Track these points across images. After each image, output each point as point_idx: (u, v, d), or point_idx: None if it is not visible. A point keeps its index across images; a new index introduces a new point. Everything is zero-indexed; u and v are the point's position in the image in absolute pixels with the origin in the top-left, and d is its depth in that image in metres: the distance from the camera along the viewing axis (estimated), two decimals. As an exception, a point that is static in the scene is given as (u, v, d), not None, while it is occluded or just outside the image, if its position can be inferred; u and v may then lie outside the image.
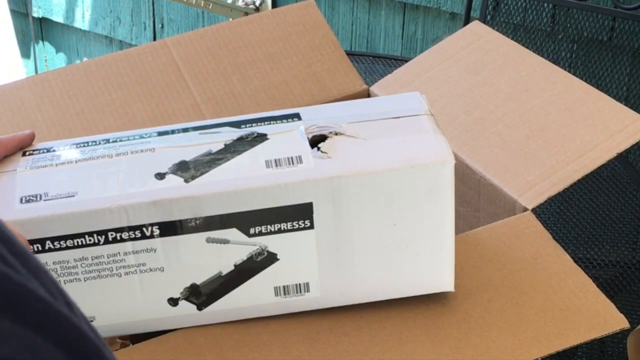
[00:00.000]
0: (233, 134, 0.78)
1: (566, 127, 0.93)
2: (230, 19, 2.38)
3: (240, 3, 2.38)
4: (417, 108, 0.79)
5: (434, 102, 0.88)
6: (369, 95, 1.07)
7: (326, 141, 0.76)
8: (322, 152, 0.75)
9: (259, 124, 0.79)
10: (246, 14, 2.36)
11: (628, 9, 1.62)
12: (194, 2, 2.26)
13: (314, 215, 0.74)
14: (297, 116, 0.79)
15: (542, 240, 0.83)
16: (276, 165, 0.74)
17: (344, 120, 0.78)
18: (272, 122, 0.79)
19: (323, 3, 2.22)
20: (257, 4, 2.38)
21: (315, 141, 0.76)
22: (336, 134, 0.77)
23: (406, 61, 1.44)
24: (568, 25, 1.79)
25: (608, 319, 0.77)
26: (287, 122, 0.79)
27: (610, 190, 1.22)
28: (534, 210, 0.85)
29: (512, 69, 1.01)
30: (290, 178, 0.73)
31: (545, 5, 1.78)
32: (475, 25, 1.10)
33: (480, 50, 1.05)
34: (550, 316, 0.76)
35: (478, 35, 1.07)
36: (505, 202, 0.87)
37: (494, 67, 1.02)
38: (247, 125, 0.79)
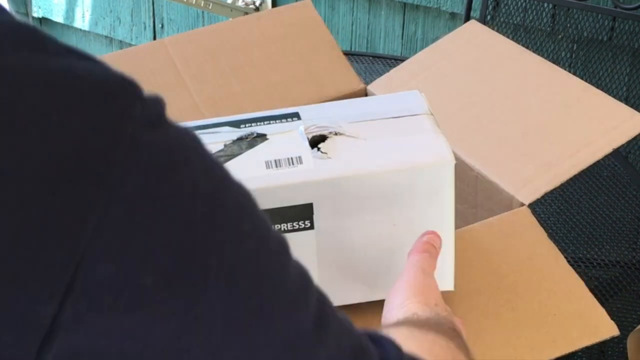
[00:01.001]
0: (232, 134, 0.77)
1: (562, 123, 0.93)
2: (230, 19, 2.38)
3: (240, 3, 2.37)
4: (416, 107, 0.79)
5: (431, 100, 0.88)
6: (366, 95, 1.07)
7: (326, 141, 0.75)
8: (322, 152, 0.75)
9: (258, 123, 0.78)
10: (246, 14, 2.36)
11: (628, 9, 1.62)
12: (194, 2, 2.26)
13: (314, 216, 0.74)
14: (296, 115, 0.79)
15: (536, 238, 0.83)
16: (276, 166, 0.73)
17: (344, 119, 0.78)
18: (271, 122, 0.78)
19: (323, 3, 2.22)
20: (257, 4, 2.38)
21: (315, 141, 0.76)
22: (336, 134, 0.76)
23: (406, 61, 1.44)
24: (568, 25, 1.79)
25: (599, 326, 0.77)
26: (287, 121, 0.78)
27: (610, 190, 1.21)
28: (531, 207, 0.85)
29: (508, 67, 1.01)
30: (290, 179, 0.72)
31: (545, 5, 1.78)
32: (472, 25, 1.11)
33: (477, 49, 1.05)
34: (544, 322, 0.76)
35: (475, 34, 1.07)
36: (502, 198, 0.87)
37: (491, 65, 1.02)
38: (247, 125, 0.78)
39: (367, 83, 1.08)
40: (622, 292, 1.07)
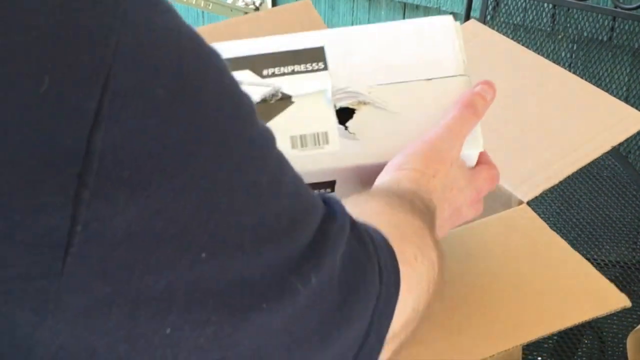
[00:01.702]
0: (256, 88, 0.73)
1: (561, 121, 0.93)
2: (230, 19, 2.38)
3: (240, 3, 2.37)
4: (450, 63, 0.75)
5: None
6: None
7: (354, 117, 0.73)
8: (349, 132, 0.73)
9: (281, 70, 0.74)
10: (246, 14, 2.36)
11: (628, 9, 1.62)
12: (194, 2, 2.26)
13: (336, 192, 0.73)
14: (322, 59, 0.75)
15: (538, 230, 0.83)
16: (302, 145, 0.72)
17: (374, 78, 0.74)
18: (295, 72, 0.74)
19: (323, 3, 2.22)
20: (257, 4, 2.38)
21: (343, 114, 0.73)
22: (365, 103, 0.74)
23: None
24: (568, 25, 1.79)
25: (609, 297, 0.76)
26: (313, 71, 0.74)
27: (610, 190, 1.21)
28: (531, 206, 0.85)
29: (508, 66, 1.01)
30: (315, 165, 0.72)
31: (545, 5, 1.78)
32: (472, 24, 1.11)
33: (476, 48, 1.05)
34: (551, 298, 0.75)
35: (474, 34, 1.07)
36: (500, 196, 0.86)
37: (490, 63, 1.02)
38: (269, 74, 0.74)
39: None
40: (622, 292, 1.07)
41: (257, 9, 2.38)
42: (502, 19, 1.82)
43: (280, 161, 0.42)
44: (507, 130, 0.93)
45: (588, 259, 1.10)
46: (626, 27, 1.72)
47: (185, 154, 0.35)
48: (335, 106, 0.73)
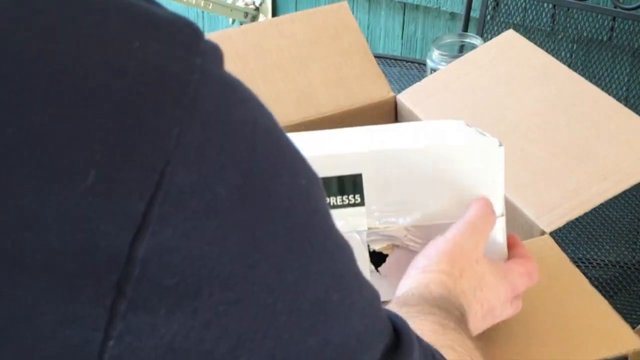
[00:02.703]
0: None
1: (591, 145, 0.90)
2: (230, 19, 2.38)
3: (240, 3, 2.37)
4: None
5: (459, 112, 0.85)
6: (395, 104, 1.04)
7: (386, 261, 0.71)
8: (380, 274, 0.71)
9: None
10: (246, 13, 2.36)
11: (628, 9, 1.62)
12: (194, 2, 2.26)
13: None
14: (359, 193, 0.70)
15: (558, 262, 0.80)
16: None
17: (410, 218, 0.71)
18: (333, 206, 0.70)
19: (323, 3, 2.22)
20: (257, 3, 2.38)
21: (376, 256, 0.72)
22: (398, 246, 0.71)
23: (406, 61, 1.44)
24: (568, 25, 1.79)
25: (621, 339, 0.73)
26: (350, 205, 0.71)
27: (610, 190, 1.21)
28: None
29: (542, 82, 0.98)
30: None
31: (545, 5, 1.78)
32: (510, 35, 1.07)
33: (512, 61, 1.01)
34: (560, 337, 0.72)
35: (511, 46, 1.05)
36: (523, 223, 0.83)
37: (525, 79, 0.98)
38: None
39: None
40: (621, 292, 1.06)
41: (257, 8, 2.38)
42: (502, 19, 1.82)
43: (357, 276, 0.38)
44: (534, 152, 0.89)
45: (588, 259, 1.10)
46: (626, 27, 1.72)
47: (246, 262, 0.31)
48: (369, 247, 0.71)
